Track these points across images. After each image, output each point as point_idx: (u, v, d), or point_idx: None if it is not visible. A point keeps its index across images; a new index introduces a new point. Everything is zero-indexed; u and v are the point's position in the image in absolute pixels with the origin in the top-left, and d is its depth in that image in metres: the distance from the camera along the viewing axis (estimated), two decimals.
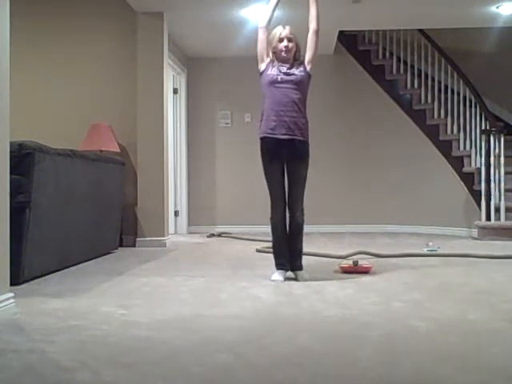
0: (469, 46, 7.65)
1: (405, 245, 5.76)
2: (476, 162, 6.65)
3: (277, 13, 5.55)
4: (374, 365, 2.05)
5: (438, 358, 2.10)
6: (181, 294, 3.32)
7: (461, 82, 6.90)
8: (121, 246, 5.66)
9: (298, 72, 3.74)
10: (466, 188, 6.76)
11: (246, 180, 7.59)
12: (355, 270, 3.99)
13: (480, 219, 6.40)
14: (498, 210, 6.32)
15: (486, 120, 6.56)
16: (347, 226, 7.37)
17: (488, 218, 6.33)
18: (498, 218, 6.32)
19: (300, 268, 3.78)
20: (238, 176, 7.65)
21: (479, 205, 6.43)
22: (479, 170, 6.48)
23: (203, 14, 5.92)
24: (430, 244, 5.50)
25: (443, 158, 7.00)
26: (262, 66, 3.82)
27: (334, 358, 2.14)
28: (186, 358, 2.13)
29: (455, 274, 4.04)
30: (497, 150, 6.38)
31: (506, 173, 6.40)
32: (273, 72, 3.74)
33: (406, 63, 7.41)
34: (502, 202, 6.30)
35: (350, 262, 4.11)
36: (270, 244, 5.57)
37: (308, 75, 3.81)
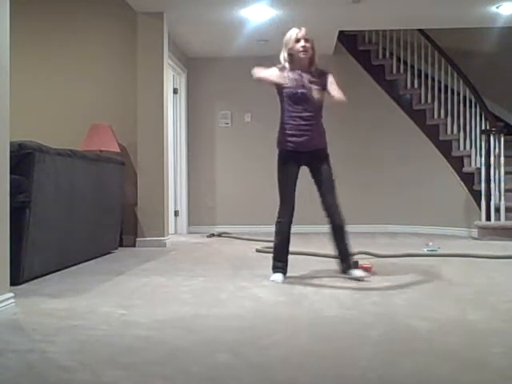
0: (469, 46, 7.65)
1: (405, 245, 5.76)
2: (476, 161, 6.65)
3: (276, 13, 5.55)
4: (373, 365, 2.05)
5: (438, 358, 2.10)
6: (181, 294, 3.32)
7: (461, 82, 6.90)
8: (121, 246, 5.66)
9: (317, 86, 3.70)
10: (465, 188, 6.76)
11: (246, 180, 7.60)
12: None
13: (480, 219, 6.40)
14: (498, 210, 6.32)
15: (486, 120, 6.56)
16: (348, 225, 7.36)
17: (488, 218, 6.33)
18: (498, 218, 6.32)
19: (351, 267, 3.76)
20: (238, 176, 7.65)
21: (479, 205, 6.43)
22: (479, 170, 6.48)
23: (203, 13, 5.92)
24: (430, 244, 5.51)
25: (443, 158, 7.00)
26: (281, 81, 3.72)
27: (334, 358, 2.14)
28: (186, 357, 2.13)
29: (455, 274, 4.04)
30: (497, 150, 6.38)
31: (506, 173, 6.40)
32: (291, 85, 3.69)
33: (406, 63, 7.41)
34: (502, 202, 6.30)
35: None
36: (270, 244, 5.59)
37: (325, 83, 3.79)
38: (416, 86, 7.28)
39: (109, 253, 5.23)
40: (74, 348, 2.24)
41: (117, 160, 5.40)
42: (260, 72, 3.72)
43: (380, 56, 7.45)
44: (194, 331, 2.50)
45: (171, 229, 6.85)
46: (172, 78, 7.19)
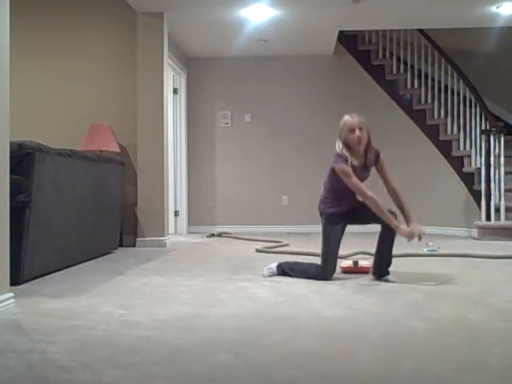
0: (469, 46, 7.65)
1: (405, 245, 5.74)
2: (476, 161, 6.65)
3: (276, 13, 5.57)
4: (373, 365, 2.05)
5: (437, 358, 2.10)
6: (181, 294, 3.32)
7: (461, 82, 6.90)
8: (121, 246, 5.66)
9: (368, 174, 3.84)
10: (465, 188, 6.75)
11: (245, 180, 7.59)
12: (355, 270, 3.99)
13: (480, 219, 6.40)
14: (498, 210, 6.32)
15: (486, 120, 6.56)
16: (347, 225, 7.36)
17: (488, 218, 6.33)
18: (498, 218, 6.31)
19: (389, 273, 3.78)
20: (238, 176, 7.65)
21: (479, 205, 6.43)
22: (479, 170, 6.48)
23: (203, 13, 5.92)
24: (430, 244, 5.50)
25: (443, 158, 7.00)
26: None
27: (334, 358, 2.14)
28: (186, 357, 2.13)
29: (455, 274, 4.04)
30: (497, 150, 6.38)
31: (506, 173, 6.40)
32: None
33: (406, 63, 7.40)
34: (502, 202, 6.30)
35: (350, 262, 4.11)
36: (270, 244, 5.60)
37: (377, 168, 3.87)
38: (416, 85, 7.28)
39: (109, 253, 5.23)
40: (74, 348, 2.24)
41: (117, 160, 5.40)
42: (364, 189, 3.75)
43: (380, 56, 7.45)
44: (194, 331, 2.50)
45: (171, 229, 6.85)
46: (172, 77, 7.19)
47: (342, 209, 3.80)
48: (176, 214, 7.37)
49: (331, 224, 3.80)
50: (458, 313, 2.82)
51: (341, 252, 4.82)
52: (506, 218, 6.31)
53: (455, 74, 6.96)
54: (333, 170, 3.72)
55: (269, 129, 7.57)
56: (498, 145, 6.39)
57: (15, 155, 3.39)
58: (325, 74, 7.65)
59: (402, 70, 7.38)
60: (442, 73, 7.11)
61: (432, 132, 7.11)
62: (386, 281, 3.71)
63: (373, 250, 4.89)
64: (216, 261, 4.77)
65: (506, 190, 6.35)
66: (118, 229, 5.52)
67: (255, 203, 7.50)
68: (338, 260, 4.41)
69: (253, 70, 7.56)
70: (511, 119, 7.66)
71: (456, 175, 6.86)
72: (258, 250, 5.32)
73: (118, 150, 5.78)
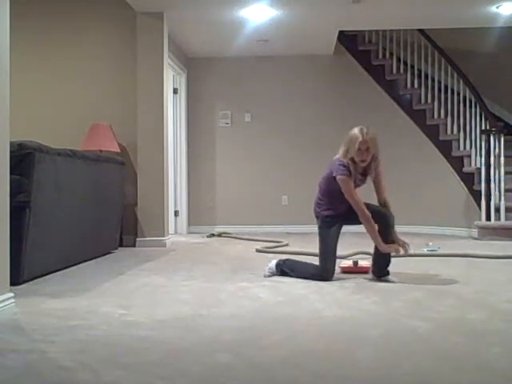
0: (469, 46, 7.65)
1: None
2: (476, 161, 6.65)
3: (276, 13, 5.57)
4: (373, 365, 2.05)
5: (437, 358, 2.10)
6: (181, 294, 3.32)
7: (461, 82, 6.90)
8: (121, 246, 5.66)
9: (366, 181, 3.85)
10: (466, 188, 6.76)
11: (246, 180, 7.60)
12: (355, 270, 3.99)
13: (480, 219, 6.40)
14: (498, 210, 6.32)
15: (486, 120, 6.56)
16: (347, 225, 7.36)
17: (488, 218, 6.33)
18: (498, 218, 6.32)
19: (389, 273, 3.79)
20: (238, 176, 7.65)
21: (479, 205, 6.43)
22: (479, 170, 6.48)
23: (203, 13, 5.92)
24: (430, 244, 5.51)
25: (443, 158, 7.00)
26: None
27: (334, 358, 2.14)
28: (186, 357, 2.13)
29: (455, 274, 4.04)
30: (497, 150, 6.38)
31: (506, 173, 6.40)
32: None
33: (406, 63, 7.40)
34: (502, 202, 6.30)
35: (350, 262, 4.11)
36: (270, 244, 5.60)
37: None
38: (416, 85, 7.28)
39: (109, 253, 5.23)
40: (74, 348, 2.24)
41: (117, 160, 5.40)
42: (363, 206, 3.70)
43: (380, 56, 7.45)
44: (194, 331, 2.50)
45: (171, 229, 6.85)
46: (172, 78, 7.19)
47: (337, 211, 3.81)
48: (176, 214, 7.37)
49: (327, 226, 3.82)
50: (457, 313, 2.82)
51: (341, 252, 4.83)
52: (506, 218, 6.31)
53: (455, 74, 6.96)
54: (333, 177, 3.74)
55: (269, 129, 7.56)
56: (498, 145, 6.39)
57: (15, 155, 3.39)
58: (325, 73, 7.65)
59: (402, 70, 7.38)
60: (442, 73, 7.11)
61: (432, 132, 7.11)
62: (386, 281, 3.72)
63: (372, 250, 4.91)
64: (216, 261, 4.77)
65: (506, 190, 6.35)
66: (118, 229, 5.52)
67: (255, 203, 7.50)
68: (338, 260, 4.41)
69: (253, 70, 7.57)
70: (511, 119, 7.66)
71: (456, 175, 6.86)
72: (257, 250, 5.32)
73: (118, 150, 5.78)
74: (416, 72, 7.30)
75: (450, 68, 7.01)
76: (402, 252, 3.73)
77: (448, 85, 7.06)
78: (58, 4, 6.08)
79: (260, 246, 5.52)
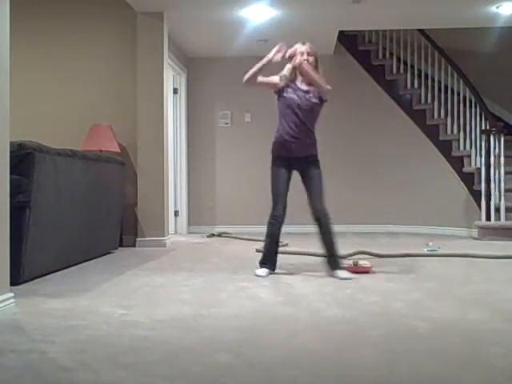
0: (469, 46, 7.65)
1: (405, 245, 5.75)
2: (476, 161, 6.65)
3: (276, 13, 5.57)
4: (373, 365, 2.05)
5: (437, 358, 2.10)
6: (181, 294, 3.32)
7: (461, 82, 6.90)
8: (121, 246, 5.66)
9: (314, 99, 3.92)
10: (466, 188, 6.76)
11: (245, 180, 7.60)
12: (355, 270, 3.99)
13: (480, 219, 6.40)
14: (498, 210, 6.32)
15: (486, 120, 6.56)
16: (347, 225, 7.37)
17: (488, 218, 6.33)
18: (498, 218, 6.32)
19: (338, 268, 3.85)
20: (238, 176, 7.65)
21: (479, 205, 6.43)
22: (479, 170, 6.48)
23: (203, 13, 5.92)
24: (430, 244, 5.51)
25: (443, 158, 7.00)
26: (281, 85, 3.98)
27: (334, 358, 2.14)
28: (186, 357, 2.13)
29: (455, 274, 4.04)
30: (497, 150, 6.38)
31: (506, 173, 6.40)
32: (291, 96, 3.92)
33: (406, 63, 7.41)
34: (502, 202, 6.30)
35: (350, 262, 4.11)
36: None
37: (322, 102, 3.98)
38: (416, 85, 7.28)
39: (109, 253, 5.23)
40: (74, 348, 2.24)
41: (117, 160, 5.40)
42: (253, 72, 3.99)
43: (380, 56, 7.45)
44: (194, 331, 2.50)
45: (171, 229, 6.85)
46: (172, 78, 7.18)
47: (284, 147, 3.93)
48: (176, 214, 7.37)
49: (276, 166, 3.96)
50: (458, 313, 2.82)
51: (341, 252, 4.83)
52: (506, 218, 6.31)
53: (455, 74, 6.96)
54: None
55: (269, 129, 7.54)
56: (498, 145, 6.39)
57: (15, 155, 3.39)
58: (325, 74, 7.63)
59: (402, 70, 7.38)
60: (442, 73, 7.11)
61: (432, 132, 7.11)
62: (336, 277, 3.77)
63: (373, 250, 4.92)
64: (216, 261, 4.77)
65: (506, 190, 6.35)
66: (117, 229, 5.52)
67: (255, 203, 7.49)
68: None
69: None
70: (511, 119, 7.66)
71: (456, 175, 6.86)
72: (258, 250, 5.31)
73: (118, 150, 5.78)
74: (416, 72, 7.30)
75: (450, 68, 7.01)
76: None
77: (448, 85, 7.06)
78: (58, 4, 6.08)
79: (260, 246, 5.51)
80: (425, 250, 5.13)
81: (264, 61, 3.95)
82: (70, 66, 6.05)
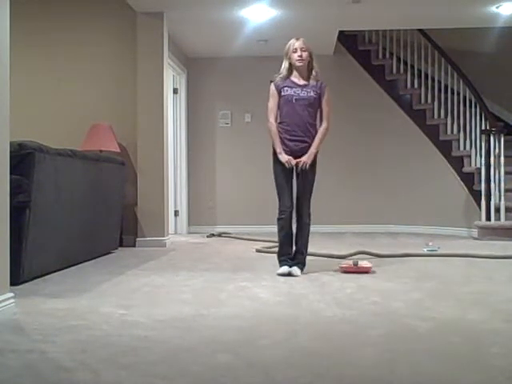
0: (469, 46, 7.65)
1: (405, 245, 5.76)
2: (476, 161, 6.65)
3: (276, 13, 5.58)
4: (373, 365, 2.05)
5: (437, 358, 2.10)
6: (181, 294, 3.32)
7: (461, 81, 6.90)
8: (121, 245, 5.66)
9: (312, 93, 3.97)
10: (466, 188, 6.75)
11: (246, 180, 7.60)
12: (355, 270, 3.99)
13: (480, 219, 6.40)
14: (498, 210, 6.32)
15: (486, 120, 6.56)
16: (347, 225, 7.37)
17: (488, 218, 6.33)
18: (498, 218, 6.31)
19: (297, 265, 3.96)
20: (238, 176, 7.65)
21: (479, 205, 6.43)
22: (479, 170, 6.48)
23: (203, 13, 5.92)
24: (430, 244, 5.50)
25: (443, 158, 7.00)
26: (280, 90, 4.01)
27: (334, 357, 2.14)
28: (186, 357, 2.13)
29: (455, 274, 4.05)
30: (497, 150, 6.38)
31: (506, 173, 6.39)
32: (288, 92, 3.96)
33: (406, 63, 7.41)
34: (502, 202, 6.30)
35: (350, 262, 4.11)
36: (270, 244, 5.60)
37: (320, 96, 4.01)
38: (416, 86, 7.28)
39: (109, 253, 5.23)
40: (74, 348, 2.24)
41: (117, 160, 5.40)
42: (271, 127, 4.02)
43: (380, 56, 7.45)
44: (194, 331, 2.50)
45: (171, 229, 6.85)
46: (172, 78, 7.18)
47: (285, 142, 3.95)
48: (176, 213, 7.37)
49: (277, 164, 4.00)
50: (458, 313, 2.82)
51: (341, 252, 4.84)
52: (506, 218, 6.31)
53: (455, 74, 6.96)
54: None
55: None
56: (497, 145, 6.39)
57: (15, 155, 3.39)
58: (325, 73, 7.60)
59: (402, 70, 7.38)
60: (442, 73, 7.11)
61: (432, 132, 7.11)
62: (289, 272, 3.87)
63: (373, 250, 4.92)
64: (216, 261, 4.77)
65: (506, 190, 6.35)
66: (117, 229, 5.52)
67: (255, 203, 7.50)
68: (338, 260, 4.43)
69: (253, 70, 7.56)
70: (511, 119, 7.66)
71: (456, 175, 6.86)
72: (258, 250, 5.32)
73: (118, 150, 5.77)
74: (416, 72, 7.30)
75: (450, 68, 7.01)
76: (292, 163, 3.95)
77: (448, 85, 7.06)
78: (58, 4, 6.08)
79: (260, 246, 5.52)
80: (425, 249, 5.13)
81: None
82: (70, 66, 6.05)
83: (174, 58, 6.81)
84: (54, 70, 6.06)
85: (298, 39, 3.99)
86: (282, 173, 3.98)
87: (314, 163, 4.00)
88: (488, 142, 6.41)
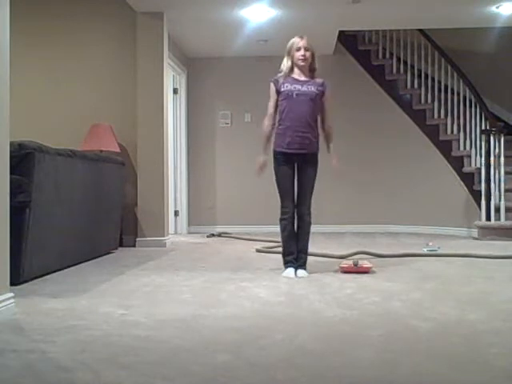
0: (469, 46, 7.65)
1: (405, 245, 5.76)
2: (476, 161, 6.65)
3: (276, 13, 5.57)
4: (373, 365, 2.05)
5: (438, 358, 2.10)
6: (181, 293, 3.32)
7: (461, 81, 6.90)
8: (121, 246, 5.66)
9: (314, 89, 3.94)
10: (466, 188, 6.76)
11: (246, 180, 7.59)
12: (355, 270, 3.99)
13: (480, 219, 6.40)
14: (498, 210, 6.32)
15: (486, 120, 6.56)
16: (348, 225, 7.38)
17: (488, 218, 6.32)
18: (498, 218, 6.31)
19: (301, 266, 3.93)
20: (238, 176, 7.64)
21: (479, 205, 6.43)
22: (479, 170, 6.48)
23: (203, 13, 5.92)
24: (430, 244, 5.51)
25: (443, 158, 7.00)
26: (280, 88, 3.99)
27: (334, 358, 2.14)
28: (186, 357, 2.13)
29: (455, 274, 4.04)
30: (497, 150, 6.38)
31: (506, 173, 6.40)
32: (289, 88, 3.93)
33: (406, 63, 7.41)
34: (502, 202, 6.30)
35: (350, 262, 4.11)
36: (270, 244, 5.60)
37: (322, 93, 4.00)
38: (416, 86, 7.28)
39: (109, 253, 5.23)
40: (74, 348, 2.24)
41: (117, 160, 5.40)
42: (264, 124, 4.01)
43: (380, 56, 7.45)
44: (194, 331, 2.50)
45: (171, 229, 6.85)
46: (172, 77, 7.18)
47: (285, 141, 3.92)
48: (176, 213, 7.37)
49: (278, 164, 3.97)
50: (458, 313, 2.82)
51: (341, 252, 4.84)
52: (506, 218, 6.31)
53: (455, 74, 6.96)
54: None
55: None
56: (497, 145, 6.39)
57: (15, 155, 3.39)
58: (325, 73, 7.62)
59: (402, 70, 7.38)
60: (442, 73, 7.11)
61: (432, 132, 7.11)
62: (295, 274, 3.86)
63: (373, 250, 4.92)
64: (216, 261, 4.78)
65: (506, 190, 6.35)
66: (117, 229, 5.52)
67: (255, 203, 7.50)
68: (338, 260, 4.42)
69: (253, 70, 7.56)
70: (511, 119, 7.66)
71: (456, 175, 6.86)
72: (258, 250, 5.32)
73: (118, 149, 5.78)
74: (416, 72, 7.30)
75: (449, 68, 7.01)
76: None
77: (448, 85, 7.06)
78: (58, 4, 6.08)
79: (260, 245, 5.52)
80: (425, 250, 5.13)
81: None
82: (70, 66, 6.05)
83: (174, 58, 6.82)
84: (54, 69, 6.06)
85: (302, 38, 3.95)
86: (284, 173, 3.96)
87: (315, 162, 3.98)
88: (488, 142, 6.41)
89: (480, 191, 6.42)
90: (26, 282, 3.63)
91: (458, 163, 6.86)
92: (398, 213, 7.39)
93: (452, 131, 6.98)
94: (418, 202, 7.25)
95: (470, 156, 6.76)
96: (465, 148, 6.84)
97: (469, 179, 6.71)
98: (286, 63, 3.97)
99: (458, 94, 6.96)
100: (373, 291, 3.37)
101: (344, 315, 2.78)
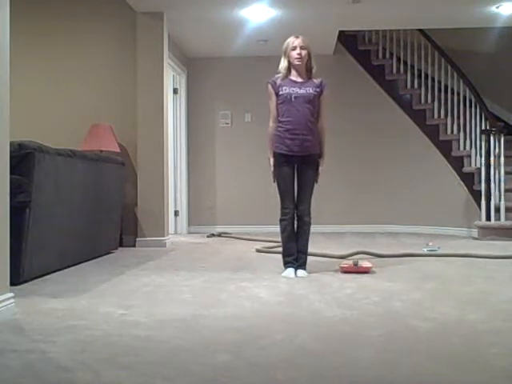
0: (469, 46, 7.65)
1: (405, 245, 5.76)
2: (476, 161, 6.65)
3: (276, 13, 5.58)
4: (373, 365, 2.05)
5: (438, 358, 2.10)
6: (181, 293, 3.32)
7: (461, 81, 6.90)
8: (121, 245, 5.66)
9: (311, 90, 3.93)
10: (466, 188, 6.75)
11: (246, 180, 7.60)
12: (355, 270, 3.99)
13: (480, 219, 6.40)
14: (498, 210, 6.32)
15: (486, 120, 6.56)
16: (347, 225, 7.37)
17: (488, 218, 6.32)
18: (498, 218, 6.31)
19: (301, 266, 3.94)
20: (238, 176, 7.65)
21: (479, 205, 6.43)
22: (479, 170, 6.48)
23: (203, 13, 5.92)
24: (430, 244, 5.51)
25: (443, 158, 7.00)
26: (278, 90, 3.98)
27: (334, 358, 2.14)
28: (186, 357, 2.13)
29: (455, 274, 4.04)
30: (497, 150, 6.38)
31: (506, 173, 6.40)
32: (287, 91, 3.92)
33: (406, 63, 7.41)
34: (502, 202, 6.30)
35: (350, 262, 4.11)
36: (270, 244, 5.61)
37: (320, 93, 3.99)
38: (416, 86, 7.28)
39: (109, 253, 5.23)
40: (74, 348, 2.24)
41: (117, 160, 5.40)
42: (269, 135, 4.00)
43: (380, 56, 7.45)
44: (194, 331, 2.50)
45: (171, 229, 6.85)
46: (172, 77, 7.18)
47: (285, 144, 3.91)
48: (176, 214, 7.37)
49: (278, 165, 3.96)
50: (458, 313, 2.82)
51: (341, 252, 4.84)
52: (506, 218, 6.31)
53: (455, 74, 6.96)
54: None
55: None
56: (497, 145, 6.39)
57: (15, 155, 3.39)
58: (325, 73, 7.62)
59: (402, 70, 7.38)
60: (442, 73, 7.11)
61: (432, 132, 7.11)
62: (295, 275, 3.87)
63: (373, 250, 4.92)
64: (216, 261, 4.78)
65: (506, 190, 6.35)
66: (117, 229, 5.52)
67: (255, 203, 7.50)
68: (338, 260, 4.42)
69: (253, 70, 7.56)
70: (511, 119, 7.66)
71: (456, 175, 6.86)
72: (258, 250, 5.32)
73: (118, 150, 5.78)
74: (416, 72, 7.30)
75: (449, 68, 7.01)
76: None
77: (448, 85, 7.06)
78: (58, 4, 6.08)
79: (260, 245, 5.52)
80: (425, 250, 5.13)
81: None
82: (70, 66, 6.05)
83: (174, 58, 6.81)
84: (54, 69, 6.06)
85: (297, 37, 3.94)
86: (284, 173, 3.96)
87: (314, 162, 3.98)
88: (488, 142, 6.41)
89: (480, 191, 6.42)
90: (26, 281, 3.63)
91: (457, 163, 6.87)
92: (397, 213, 7.39)
93: (452, 131, 6.98)
94: (418, 202, 7.25)
95: (470, 156, 6.76)
96: (465, 148, 6.84)
97: (469, 179, 6.71)
98: (282, 64, 3.97)
99: (458, 94, 6.96)
100: (373, 291, 3.37)
101: (344, 315, 2.78)
